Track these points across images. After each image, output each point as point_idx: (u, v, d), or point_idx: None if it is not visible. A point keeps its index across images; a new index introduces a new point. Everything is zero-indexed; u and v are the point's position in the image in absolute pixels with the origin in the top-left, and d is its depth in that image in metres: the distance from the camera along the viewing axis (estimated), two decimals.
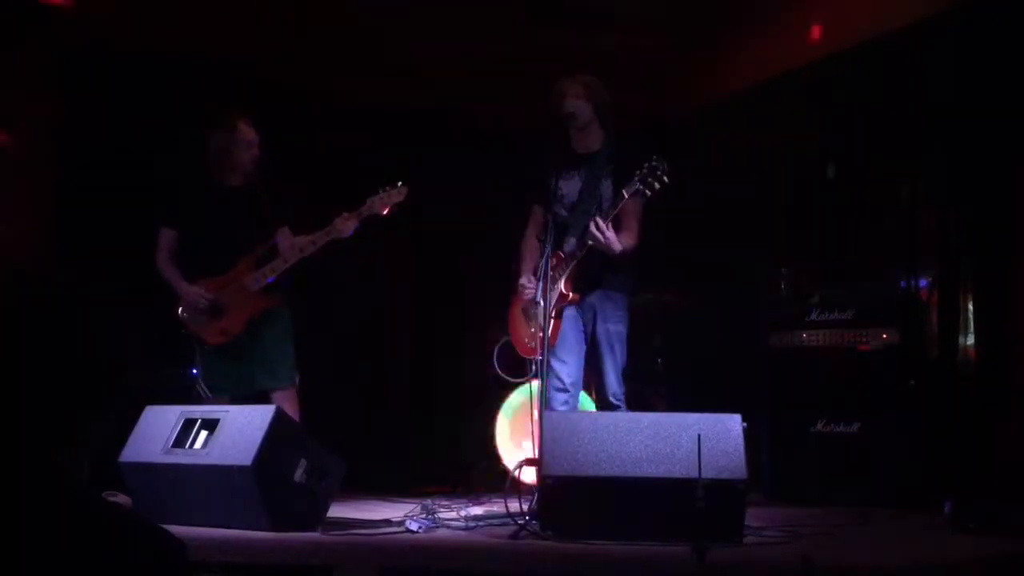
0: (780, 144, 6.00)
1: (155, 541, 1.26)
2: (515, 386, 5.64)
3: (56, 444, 1.27)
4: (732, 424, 3.44)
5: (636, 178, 4.15)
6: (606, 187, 4.39)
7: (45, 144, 5.51)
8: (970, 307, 4.94)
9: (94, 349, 1.30)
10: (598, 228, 4.18)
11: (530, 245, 4.64)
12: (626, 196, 4.18)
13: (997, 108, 4.81)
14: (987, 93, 4.85)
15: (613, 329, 4.44)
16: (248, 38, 5.75)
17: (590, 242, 4.23)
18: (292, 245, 4.64)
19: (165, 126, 5.56)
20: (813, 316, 4.91)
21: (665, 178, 4.12)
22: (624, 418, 3.86)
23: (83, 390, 1.29)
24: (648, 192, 4.15)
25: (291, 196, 4.87)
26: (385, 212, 4.60)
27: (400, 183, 4.61)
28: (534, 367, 4.42)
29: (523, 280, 4.57)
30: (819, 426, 4.80)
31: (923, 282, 5.08)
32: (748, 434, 3.47)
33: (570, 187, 4.45)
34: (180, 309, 4.68)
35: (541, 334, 4.14)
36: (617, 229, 4.28)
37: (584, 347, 4.48)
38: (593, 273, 4.40)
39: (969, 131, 4.93)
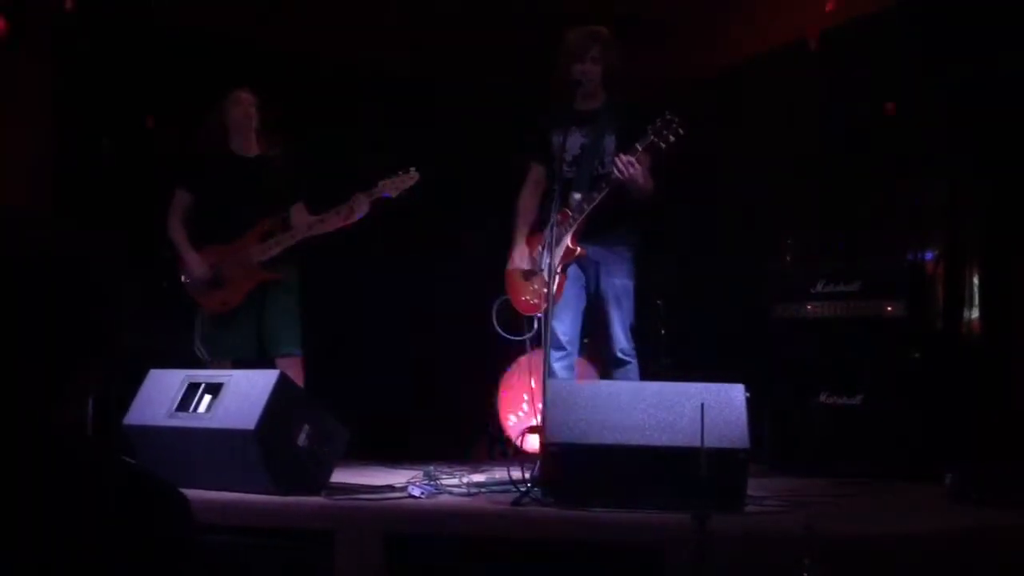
0: (787, 113, 5.96)
1: (159, 494, 1.25)
2: (514, 351, 5.60)
3: (56, 400, 1.26)
4: (735, 393, 3.44)
5: (649, 130, 4.09)
6: (609, 143, 4.32)
7: (43, 100, 5.47)
8: (976, 281, 4.92)
9: (97, 306, 1.28)
10: (625, 162, 4.07)
11: (526, 203, 4.58)
12: (639, 149, 4.11)
13: (1010, 80, 4.76)
14: (1000, 64, 4.80)
15: (619, 283, 4.35)
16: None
17: (617, 176, 4.10)
18: (302, 222, 4.62)
19: (163, 89, 5.53)
20: (818, 287, 4.89)
21: (680, 131, 4.05)
22: (627, 386, 3.86)
23: (84, 347, 1.27)
24: (663, 145, 4.08)
25: (309, 173, 4.84)
26: (394, 195, 4.59)
27: (412, 168, 4.58)
28: (536, 324, 4.34)
29: (519, 247, 4.52)
30: (822, 397, 4.80)
31: (929, 255, 5.07)
32: (751, 404, 3.47)
33: (572, 143, 4.31)
34: (183, 274, 4.68)
35: (545, 290, 4.02)
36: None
37: (583, 304, 4.41)
38: (598, 228, 4.31)
39: (981, 103, 4.89)
